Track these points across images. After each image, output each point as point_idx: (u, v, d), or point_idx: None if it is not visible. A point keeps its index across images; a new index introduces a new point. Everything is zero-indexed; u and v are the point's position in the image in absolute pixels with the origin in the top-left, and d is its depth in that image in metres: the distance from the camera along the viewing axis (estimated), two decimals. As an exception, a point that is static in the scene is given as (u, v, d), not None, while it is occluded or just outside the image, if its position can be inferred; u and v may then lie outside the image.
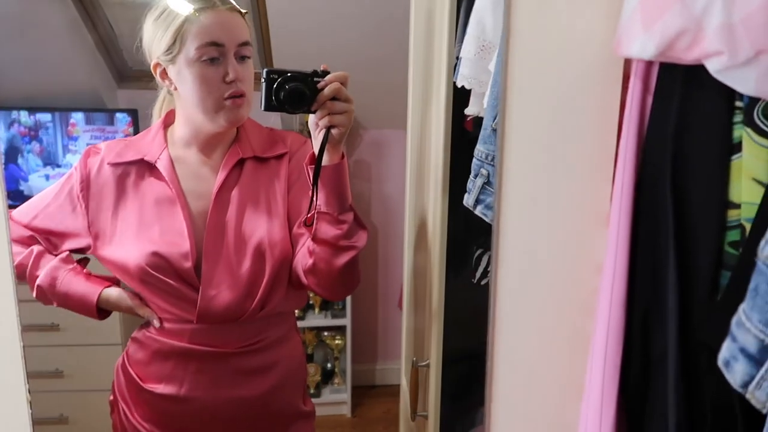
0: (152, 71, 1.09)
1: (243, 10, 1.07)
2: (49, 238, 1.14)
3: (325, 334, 2.75)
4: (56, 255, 1.14)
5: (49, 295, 1.13)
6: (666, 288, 0.57)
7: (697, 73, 0.50)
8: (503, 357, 0.67)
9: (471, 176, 0.94)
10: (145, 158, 1.11)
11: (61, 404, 2.31)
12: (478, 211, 0.92)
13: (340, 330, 2.74)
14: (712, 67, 0.46)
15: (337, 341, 2.76)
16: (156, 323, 1.11)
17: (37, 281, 1.12)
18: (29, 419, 0.72)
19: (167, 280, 1.06)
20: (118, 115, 2.43)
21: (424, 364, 1.25)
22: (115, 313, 1.17)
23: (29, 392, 0.71)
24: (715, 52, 0.45)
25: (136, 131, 2.39)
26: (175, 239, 1.08)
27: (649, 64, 0.58)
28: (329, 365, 2.84)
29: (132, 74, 2.67)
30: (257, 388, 1.14)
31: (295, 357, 1.22)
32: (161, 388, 1.12)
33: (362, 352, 2.98)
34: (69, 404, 2.32)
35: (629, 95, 0.59)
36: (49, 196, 1.14)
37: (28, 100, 2.47)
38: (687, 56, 0.49)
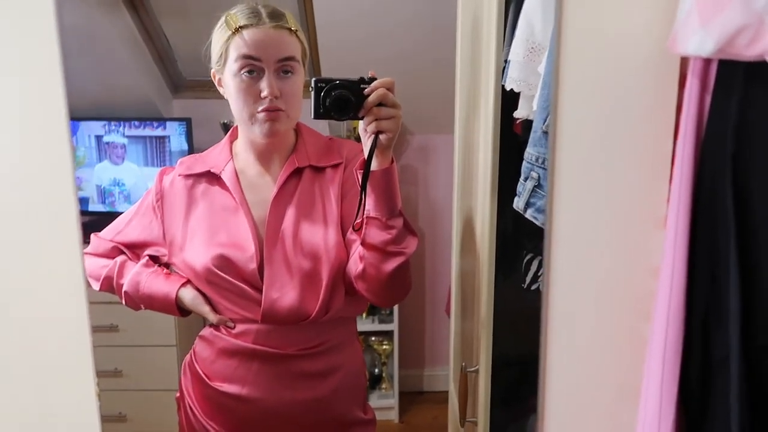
0: (212, 77, 1.16)
1: (293, 27, 1.11)
2: (132, 250, 1.22)
3: (373, 339, 2.76)
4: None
5: (136, 299, 1.20)
6: (727, 290, 0.55)
7: (758, 69, 0.48)
8: (556, 363, 0.66)
9: (521, 179, 0.93)
10: (212, 170, 1.18)
11: (120, 403, 2.40)
12: (529, 214, 0.92)
13: (388, 335, 2.75)
14: (776, 62, 0.45)
15: (384, 346, 2.76)
16: (229, 324, 1.16)
17: (123, 288, 1.19)
18: (98, 414, 0.76)
19: (233, 280, 1.11)
20: (173, 123, 2.52)
21: (473, 369, 1.24)
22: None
23: (98, 386, 0.75)
24: (779, 47, 0.44)
25: (190, 139, 2.47)
26: (240, 243, 1.12)
27: (706, 61, 0.56)
28: (377, 370, 2.85)
29: (186, 84, 2.75)
30: (317, 392, 1.16)
31: (355, 363, 1.25)
32: (226, 387, 1.16)
33: (410, 357, 2.97)
34: (127, 403, 2.40)
35: (686, 94, 0.57)
36: (131, 213, 1.24)
37: (88, 110, 2.58)
38: (748, 52, 0.47)
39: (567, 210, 0.64)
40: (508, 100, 1.10)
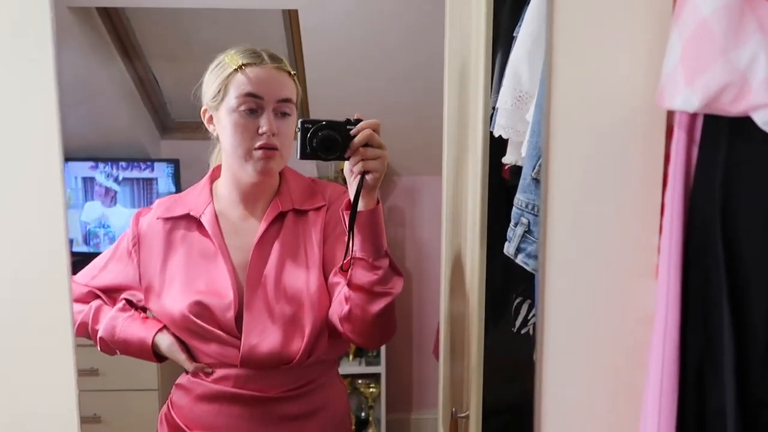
0: (201, 115, 1.16)
1: (292, 71, 1.13)
2: (108, 295, 1.19)
3: (359, 381, 2.71)
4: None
5: (111, 344, 1.17)
6: (721, 341, 0.56)
7: (743, 123, 0.50)
8: (551, 411, 0.66)
9: (511, 225, 0.94)
10: (191, 213, 1.15)
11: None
12: (520, 259, 0.92)
13: (375, 378, 2.70)
14: (760, 119, 0.46)
15: (371, 389, 2.72)
16: (207, 370, 1.13)
17: (99, 333, 1.16)
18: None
19: (210, 327, 1.09)
20: (161, 164, 2.51)
21: (463, 415, 1.22)
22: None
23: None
24: (763, 104, 0.45)
25: (177, 180, 2.46)
26: (218, 290, 1.11)
27: (693, 115, 0.58)
28: (363, 414, 2.79)
29: (174, 126, 2.76)
30: (307, 431, 1.14)
31: (339, 402, 1.23)
32: None
33: (397, 401, 2.91)
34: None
35: (674, 146, 0.59)
36: (106, 256, 1.21)
37: (75, 151, 2.56)
38: (733, 109, 0.49)
39: (559, 258, 0.64)
40: (497, 144, 1.11)
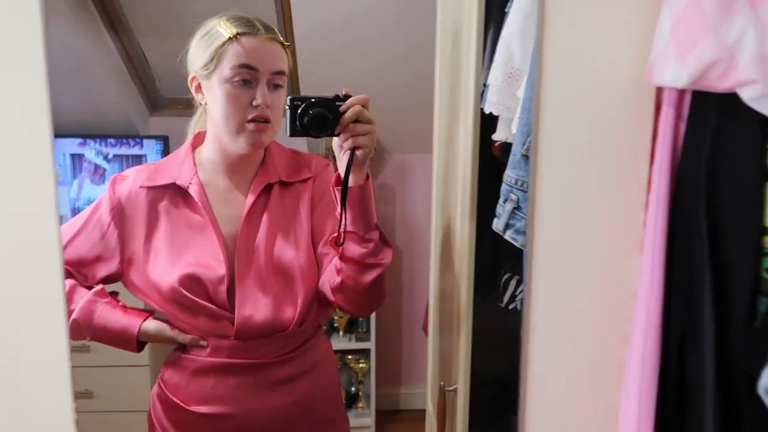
0: (189, 83, 1.13)
1: (285, 42, 1.11)
2: (80, 269, 1.14)
3: (349, 357, 2.74)
4: (88, 288, 1.14)
5: (85, 329, 1.13)
6: (702, 314, 0.57)
7: (730, 100, 0.50)
8: (536, 386, 0.67)
9: (500, 201, 0.95)
10: (177, 182, 1.12)
11: (91, 425, 2.34)
12: (508, 235, 0.93)
13: (364, 353, 2.73)
14: (746, 95, 0.47)
15: (361, 365, 2.75)
16: (203, 343, 1.13)
17: (73, 315, 1.11)
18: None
19: (201, 301, 1.08)
20: (150, 141, 2.49)
21: (451, 388, 1.24)
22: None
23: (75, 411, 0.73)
24: (749, 80, 0.46)
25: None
26: (210, 263, 1.10)
27: (681, 92, 0.59)
28: (353, 389, 2.82)
29: (164, 102, 2.73)
30: (297, 394, 1.15)
31: (328, 360, 1.25)
32: (205, 408, 1.12)
33: (386, 375, 2.95)
34: (98, 425, 2.35)
35: (662, 122, 0.59)
36: (75, 227, 1.14)
37: (63, 127, 2.54)
38: (720, 85, 0.49)
39: (547, 233, 0.65)
40: (488, 121, 1.11)
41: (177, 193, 1.13)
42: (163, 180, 1.13)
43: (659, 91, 0.62)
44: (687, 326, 0.60)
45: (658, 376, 0.61)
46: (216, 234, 1.11)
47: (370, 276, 1.05)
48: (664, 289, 0.60)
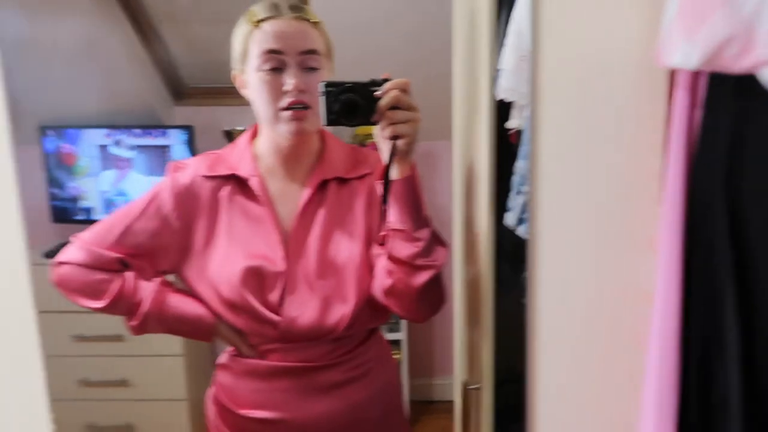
0: (232, 81, 1.09)
1: (315, 19, 1.05)
2: (137, 260, 1.09)
3: (380, 347, 2.72)
4: (149, 280, 1.11)
5: (156, 320, 1.09)
6: (725, 324, 0.51)
7: (750, 83, 0.44)
8: (543, 396, 0.62)
9: (512, 193, 0.89)
10: (238, 173, 1.09)
11: (126, 413, 2.40)
12: (521, 231, 0.87)
13: (396, 344, 2.71)
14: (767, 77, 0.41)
15: (395, 355, 2.72)
16: (249, 353, 1.10)
17: (143, 307, 1.08)
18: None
19: (253, 302, 1.04)
20: (174, 131, 2.50)
21: (475, 387, 1.20)
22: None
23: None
24: (770, 60, 0.40)
25: (192, 147, 2.45)
26: (270, 255, 1.06)
27: (695, 74, 0.52)
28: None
29: (188, 91, 2.74)
30: (351, 399, 1.11)
31: (385, 364, 1.20)
32: (256, 413, 1.10)
33: (419, 366, 2.92)
34: (134, 413, 2.41)
35: (675, 108, 0.53)
36: (132, 214, 1.09)
37: (90, 119, 2.57)
38: (737, 66, 0.43)
39: (549, 230, 0.59)
40: (506, 108, 1.06)
41: (238, 184, 1.10)
42: (224, 170, 1.10)
43: (672, 73, 0.56)
44: (709, 337, 0.54)
45: (679, 391, 0.55)
46: (275, 227, 1.07)
47: (421, 278, 0.97)
48: (681, 292, 0.55)
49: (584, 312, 0.61)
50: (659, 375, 0.56)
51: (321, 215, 1.09)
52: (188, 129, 2.44)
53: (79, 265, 1.08)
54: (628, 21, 0.54)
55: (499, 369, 1.12)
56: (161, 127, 2.50)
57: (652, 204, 0.57)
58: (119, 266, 1.09)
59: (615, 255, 0.59)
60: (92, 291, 1.08)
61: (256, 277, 1.04)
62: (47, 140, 2.47)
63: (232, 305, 1.06)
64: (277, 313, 1.05)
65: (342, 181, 1.11)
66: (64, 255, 1.10)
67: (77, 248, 1.09)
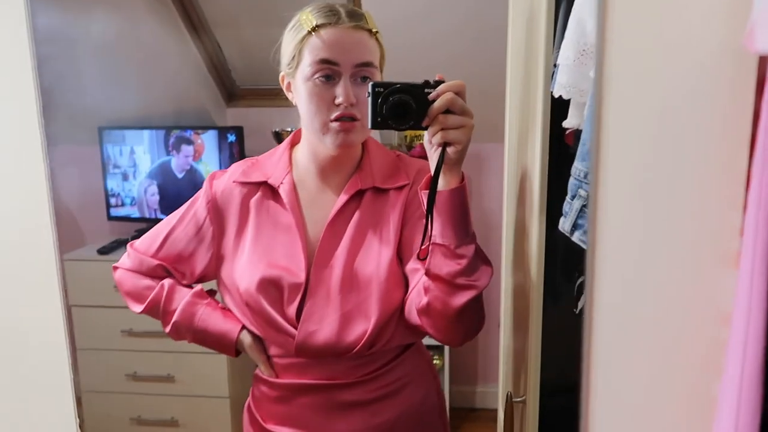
0: (280, 82, 1.07)
1: (374, 29, 1.01)
2: (177, 266, 1.13)
3: (422, 353, 2.68)
4: (187, 286, 1.14)
5: (185, 331, 1.12)
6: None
7: None
8: (601, 415, 0.56)
9: (567, 197, 0.83)
10: (269, 181, 1.08)
11: (171, 408, 2.46)
12: (576, 237, 0.81)
13: (438, 349, 2.66)
14: None
15: (435, 361, 2.68)
16: (267, 373, 1.09)
17: (174, 317, 1.11)
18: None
19: (269, 309, 1.03)
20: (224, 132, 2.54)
21: (519, 399, 1.14)
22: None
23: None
24: None
25: (242, 148, 2.48)
26: (291, 267, 1.04)
27: (793, 62, 0.46)
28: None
29: (240, 93, 2.77)
30: (379, 417, 1.06)
31: (421, 381, 1.13)
32: (280, 429, 1.08)
33: (461, 373, 2.87)
34: (179, 408, 2.46)
35: (765, 102, 0.46)
36: (172, 222, 1.13)
37: (146, 120, 2.64)
38: None
39: (612, 239, 0.53)
40: (561, 107, 1.00)
41: (269, 191, 1.09)
42: (256, 177, 1.10)
43: (763, 61, 0.49)
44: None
45: (759, 422, 0.48)
46: (300, 237, 1.05)
47: (461, 299, 0.90)
48: (767, 313, 0.48)
49: (648, 330, 0.55)
50: (736, 408, 0.49)
51: (352, 226, 1.05)
52: (237, 129, 2.46)
53: (129, 270, 1.15)
54: (709, 2, 0.48)
55: (546, 381, 1.06)
56: (214, 128, 2.53)
57: (733, 211, 0.50)
58: (163, 273, 1.13)
59: (687, 268, 0.53)
60: (136, 296, 1.13)
61: (274, 287, 1.02)
62: (105, 141, 2.55)
63: (252, 313, 1.05)
64: (294, 327, 1.02)
65: (379, 190, 1.07)
66: (120, 261, 1.17)
67: (128, 254, 1.16)
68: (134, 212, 2.64)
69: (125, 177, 2.60)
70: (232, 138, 2.50)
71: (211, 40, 2.57)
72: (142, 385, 2.49)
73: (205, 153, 2.54)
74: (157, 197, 2.57)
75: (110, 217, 2.67)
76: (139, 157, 2.57)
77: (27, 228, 0.71)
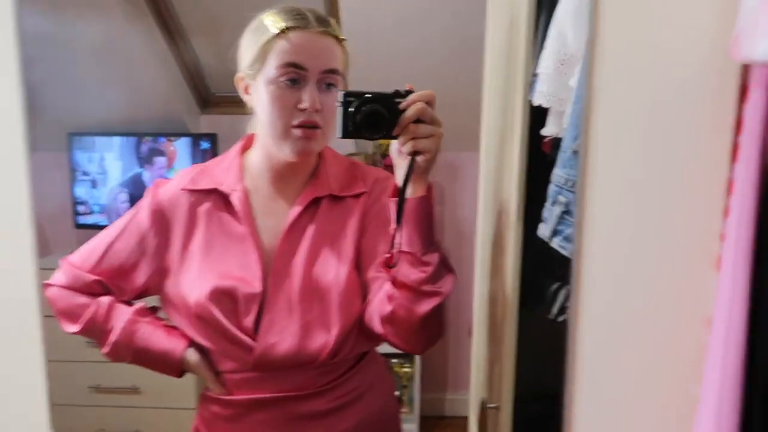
0: (235, 83, 1.04)
1: (341, 36, 0.99)
2: (116, 282, 1.06)
3: (394, 361, 2.68)
4: (127, 303, 1.07)
5: (124, 350, 1.06)
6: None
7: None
8: (584, 421, 0.57)
9: (547, 204, 0.84)
10: (220, 188, 1.04)
11: (136, 420, 2.40)
12: (556, 243, 0.82)
13: (409, 357, 2.66)
14: None
15: (405, 369, 2.68)
16: (218, 390, 1.05)
17: (112, 337, 1.04)
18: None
19: (225, 322, 0.99)
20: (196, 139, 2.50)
21: (493, 406, 1.15)
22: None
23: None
24: None
25: (215, 155, 2.44)
26: (245, 277, 1.00)
27: (775, 71, 0.47)
28: (397, 393, 2.75)
29: (214, 100, 2.75)
30: (339, 427, 1.04)
31: (378, 388, 1.12)
32: None
33: (431, 380, 2.88)
34: (143, 420, 2.39)
35: (748, 110, 0.48)
36: (112, 234, 1.07)
37: (117, 126, 2.59)
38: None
39: (597, 244, 0.54)
40: (539, 116, 1.01)
41: (219, 199, 1.04)
42: (205, 184, 1.05)
43: (746, 70, 0.51)
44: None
45: (739, 425, 0.49)
46: (255, 246, 1.01)
47: (425, 306, 0.90)
48: (747, 316, 0.49)
49: (632, 341, 0.56)
50: (717, 410, 0.50)
51: (309, 235, 1.02)
52: (211, 136, 2.43)
53: (63, 287, 1.07)
54: (695, 12, 0.49)
55: (520, 387, 1.07)
56: (187, 135, 2.50)
57: (715, 218, 0.52)
58: (100, 289, 1.06)
59: (670, 272, 0.54)
60: (70, 315, 1.06)
61: (227, 298, 0.98)
62: (74, 147, 2.50)
63: (203, 328, 1.01)
64: (253, 339, 0.99)
65: (335, 198, 1.05)
66: (52, 277, 1.08)
67: (62, 270, 1.08)
68: (103, 220, 2.58)
69: (94, 184, 2.55)
70: (206, 145, 2.47)
71: (188, 47, 2.54)
72: (106, 397, 2.42)
73: (177, 160, 2.50)
74: (127, 205, 2.52)
75: (78, 225, 2.60)
76: (109, 164, 2.52)
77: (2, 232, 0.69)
